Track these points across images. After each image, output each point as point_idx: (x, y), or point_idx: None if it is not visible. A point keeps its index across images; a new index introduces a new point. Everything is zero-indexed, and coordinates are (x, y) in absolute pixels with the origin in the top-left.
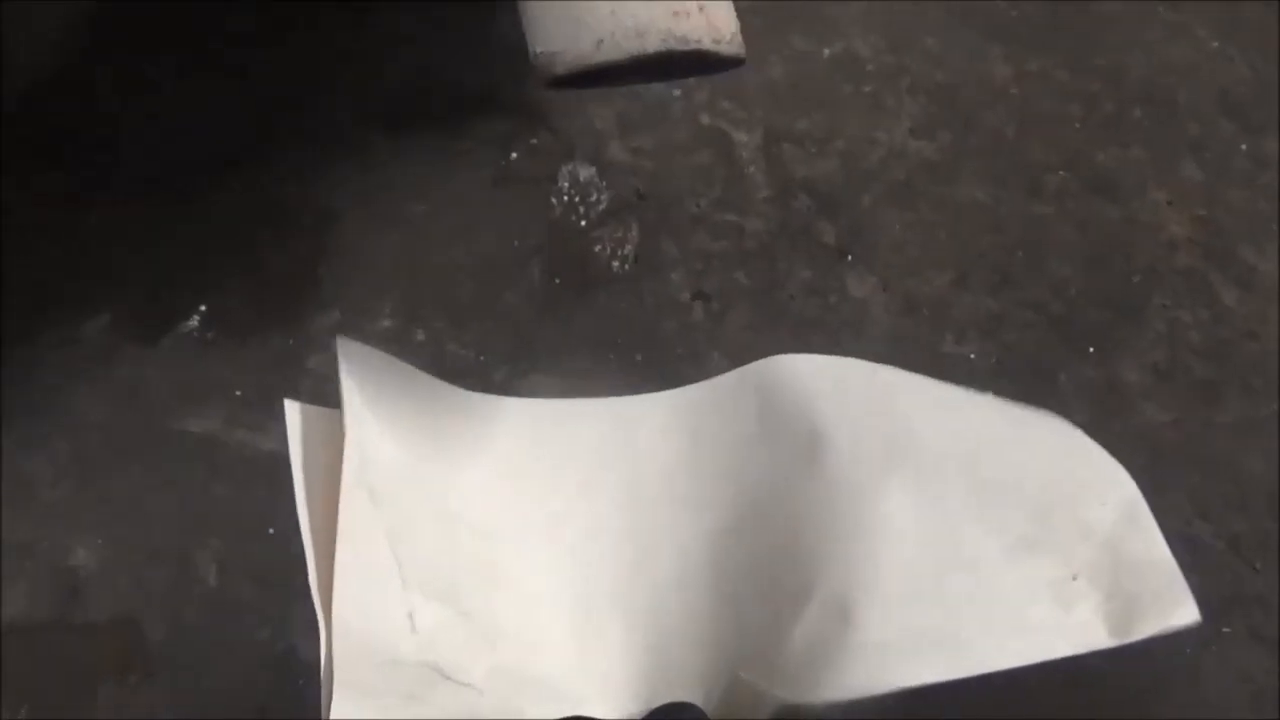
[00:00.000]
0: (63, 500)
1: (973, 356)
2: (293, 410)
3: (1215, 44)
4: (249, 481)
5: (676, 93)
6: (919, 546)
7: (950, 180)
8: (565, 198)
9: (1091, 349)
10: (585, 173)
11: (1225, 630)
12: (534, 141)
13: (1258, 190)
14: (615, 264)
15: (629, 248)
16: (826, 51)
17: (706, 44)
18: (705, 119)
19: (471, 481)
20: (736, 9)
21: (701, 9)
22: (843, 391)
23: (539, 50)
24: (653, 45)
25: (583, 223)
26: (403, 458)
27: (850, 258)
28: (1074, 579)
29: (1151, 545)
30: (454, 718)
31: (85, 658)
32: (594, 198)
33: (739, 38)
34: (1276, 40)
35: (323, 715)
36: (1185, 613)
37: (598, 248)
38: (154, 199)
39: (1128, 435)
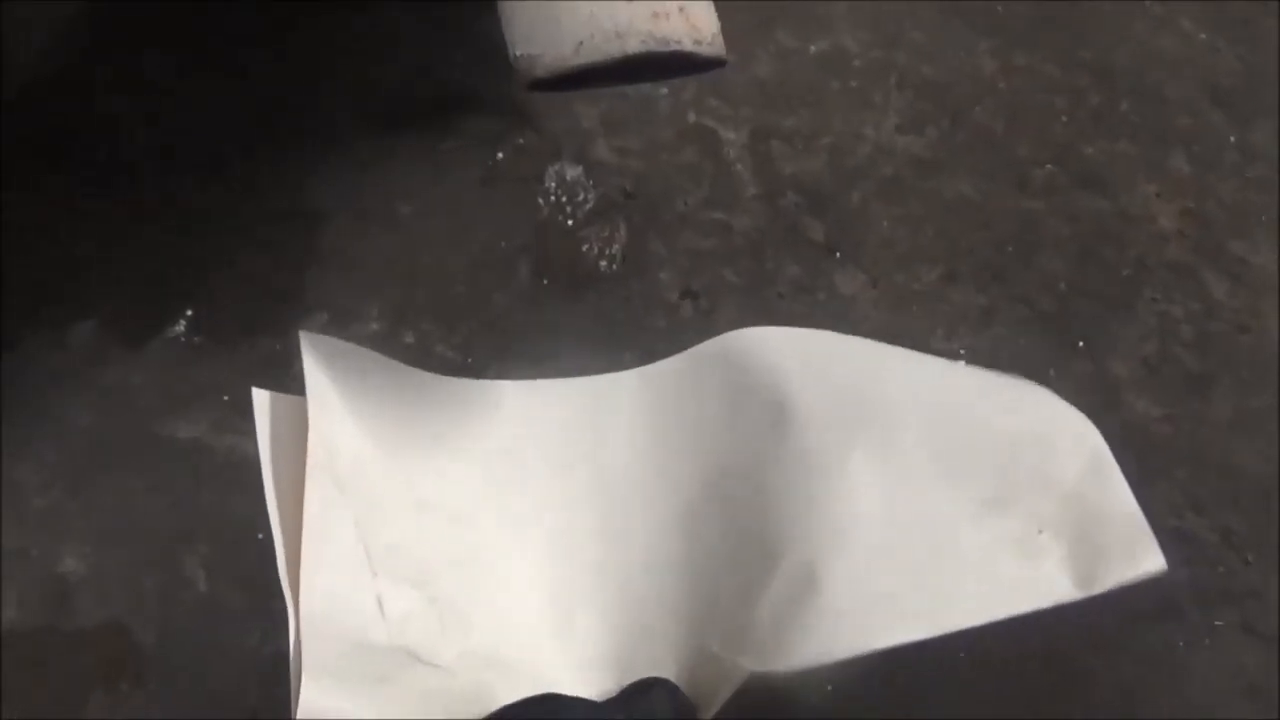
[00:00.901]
0: (51, 507)
1: (962, 352)
2: (261, 398)
3: (1203, 36)
4: (237, 486)
5: (663, 91)
6: (884, 511)
7: (938, 176)
8: (552, 198)
9: (1081, 343)
10: (572, 172)
11: (1218, 624)
12: (521, 141)
13: (1247, 182)
14: (603, 263)
15: (617, 247)
16: (813, 48)
17: (687, 45)
18: (692, 117)
19: (441, 465)
20: (723, 6)
21: (682, 10)
22: (809, 360)
23: (518, 53)
24: (632, 47)
25: (570, 222)
26: (370, 445)
27: (839, 254)
28: (1039, 533)
29: (1116, 495)
30: (426, 699)
31: (75, 664)
32: (581, 197)
33: (720, 38)
34: (1264, 31)
35: (292, 701)
36: (1150, 561)
37: (585, 247)
38: (142, 201)
39: (1119, 430)
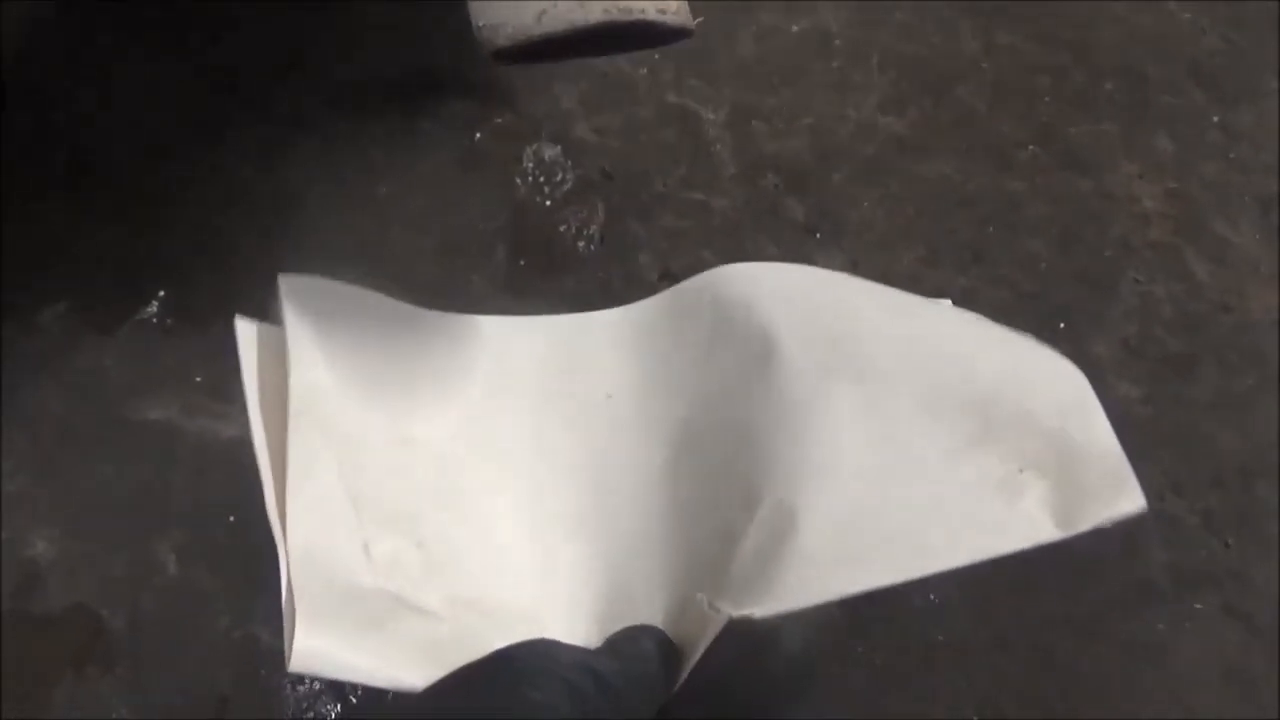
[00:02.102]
0: (20, 492)
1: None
2: (245, 328)
3: (1187, 15)
4: (209, 469)
5: (643, 70)
6: (866, 449)
7: (920, 156)
8: (530, 178)
9: (1063, 324)
10: (550, 152)
11: (1198, 607)
12: (499, 122)
13: (1230, 163)
14: (581, 244)
15: (595, 228)
16: (795, 27)
17: (650, 14)
18: (672, 97)
19: (424, 401)
20: None
21: None
22: (793, 296)
23: (481, 23)
24: (595, 16)
25: (548, 203)
26: (352, 384)
27: (819, 235)
28: (1020, 471)
29: (1098, 433)
30: (415, 645)
31: (45, 648)
32: (559, 177)
33: (685, 8)
34: (1248, 11)
35: (286, 645)
36: (1130, 500)
37: (563, 228)
38: (113, 183)
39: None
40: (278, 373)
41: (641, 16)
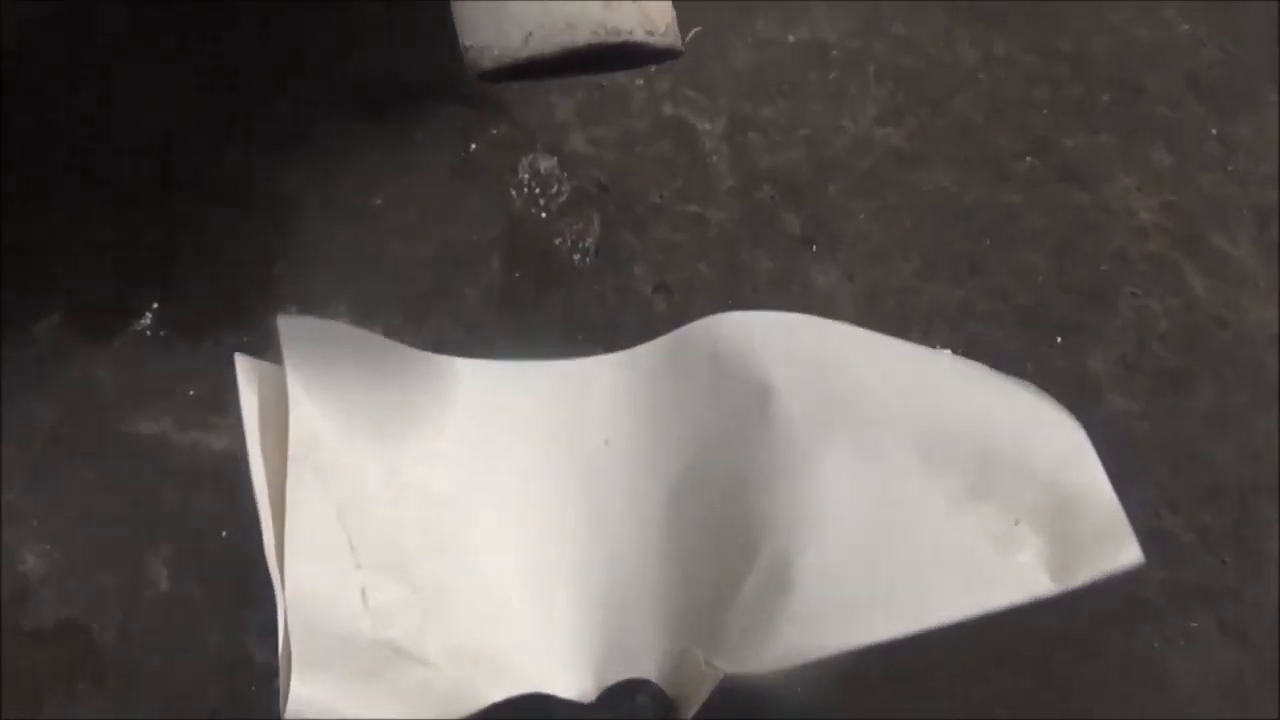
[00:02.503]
0: (11, 504)
1: (939, 347)
2: (244, 366)
3: (1184, 26)
4: (201, 483)
5: (639, 81)
6: (862, 502)
7: (917, 168)
8: (525, 189)
9: (1060, 338)
10: (546, 164)
11: (1194, 625)
12: (494, 132)
13: (1228, 175)
14: (576, 257)
15: (590, 240)
16: (792, 38)
17: (639, 35)
18: (668, 108)
19: (423, 446)
20: None
21: None
22: (791, 346)
23: (468, 44)
24: (583, 37)
25: (543, 215)
26: (351, 428)
27: (815, 248)
28: (1016, 524)
29: (1094, 486)
30: (412, 696)
31: (34, 663)
32: (555, 189)
33: (674, 28)
34: (1246, 22)
35: (282, 692)
36: (1127, 554)
37: (558, 240)
38: (106, 193)
39: (1096, 426)
40: (278, 412)
41: (630, 38)
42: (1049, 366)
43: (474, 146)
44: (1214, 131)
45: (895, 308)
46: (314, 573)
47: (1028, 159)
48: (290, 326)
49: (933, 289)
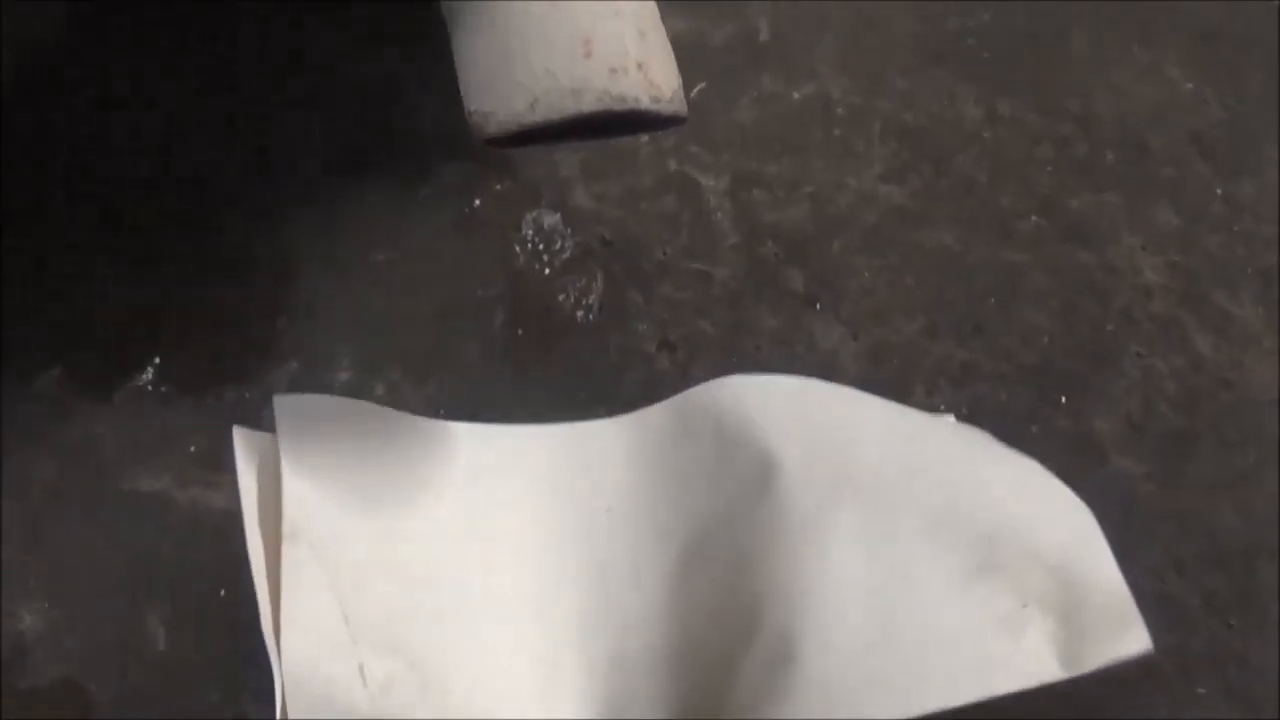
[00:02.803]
0: (8, 561)
1: (943, 407)
2: (242, 439)
3: (1189, 85)
4: (200, 541)
5: (644, 138)
6: (866, 579)
7: (920, 226)
8: (529, 245)
9: (1064, 399)
10: (550, 219)
11: (1200, 691)
12: (499, 188)
13: (1234, 235)
14: (580, 313)
15: (594, 296)
16: (797, 94)
17: (645, 103)
18: (672, 164)
19: (423, 517)
20: (706, 49)
21: (640, 66)
22: (795, 414)
23: (472, 109)
24: (588, 105)
25: (547, 271)
26: (347, 503)
27: (819, 306)
28: (1024, 606)
29: (1102, 572)
30: None
31: None
32: (558, 245)
33: (680, 95)
34: (1251, 81)
35: None
36: (1136, 642)
37: (561, 296)
38: (107, 246)
39: (1101, 488)
40: (276, 484)
41: (636, 105)
42: (1053, 427)
43: (477, 202)
44: (1219, 191)
45: (899, 367)
46: (310, 651)
47: (1032, 218)
48: (285, 405)
49: (936, 348)
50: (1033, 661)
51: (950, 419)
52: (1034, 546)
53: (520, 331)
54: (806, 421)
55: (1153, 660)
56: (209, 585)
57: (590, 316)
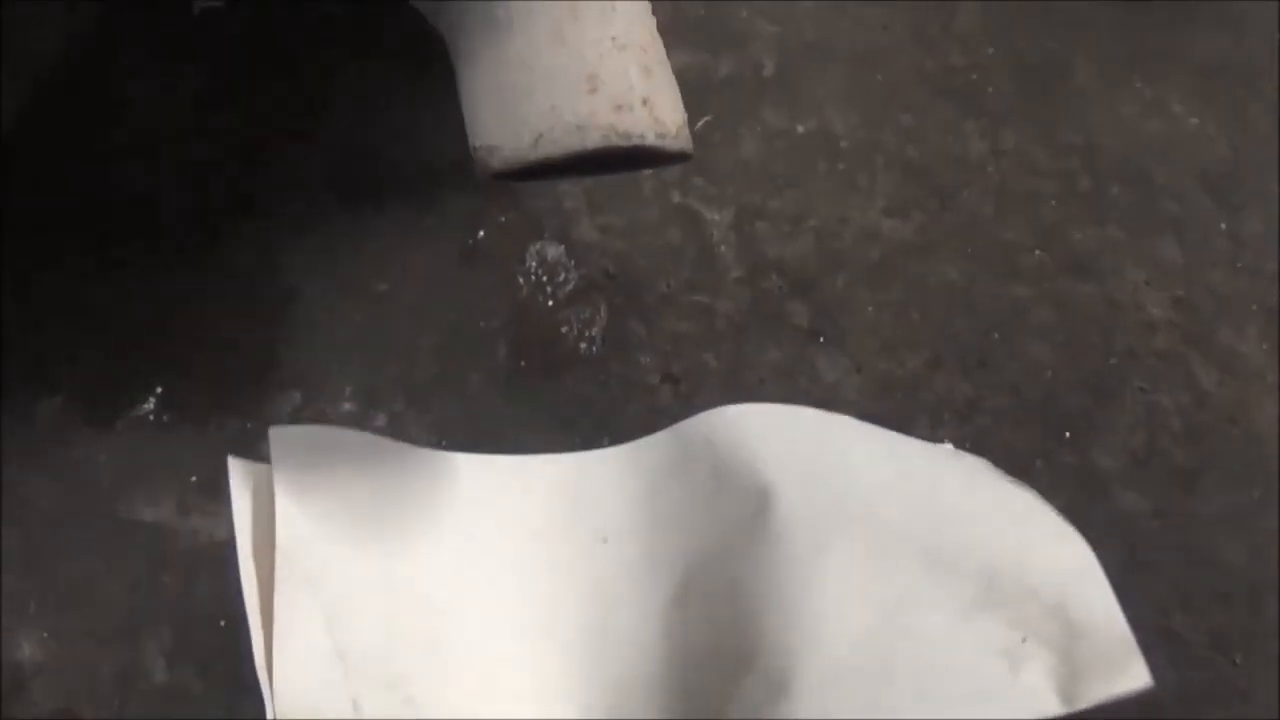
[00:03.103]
0: (8, 589)
1: (947, 442)
2: (237, 469)
3: (1194, 120)
4: (200, 571)
5: (648, 171)
6: (862, 613)
7: (925, 260)
8: (533, 277)
9: (1068, 434)
10: (554, 251)
11: None
12: (503, 219)
13: (1238, 271)
14: (583, 345)
15: (597, 329)
16: (800, 128)
17: (650, 139)
18: (676, 197)
19: (420, 549)
20: (710, 83)
21: (645, 102)
22: (794, 444)
23: (477, 144)
24: (593, 141)
25: (550, 303)
26: (342, 535)
27: (822, 339)
28: (1023, 640)
29: (1101, 607)
30: None
31: None
32: (562, 277)
33: (685, 131)
34: (1255, 117)
35: None
36: (1135, 678)
37: (565, 328)
38: (110, 274)
39: (1105, 524)
40: (271, 516)
41: (641, 142)
42: (1057, 462)
43: (482, 233)
44: (1223, 226)
45: (903, 401)
46: (302, 683)
47: (1036, 252)
48: (281, 437)
49: (940, 382)
50: (1031, 696)
51: (949, 447)
52: (1032, 582)
53: (523, 363)
54: (803, 451)
55: (1156, 697)
56: (209, 615)
57: (593, 348)
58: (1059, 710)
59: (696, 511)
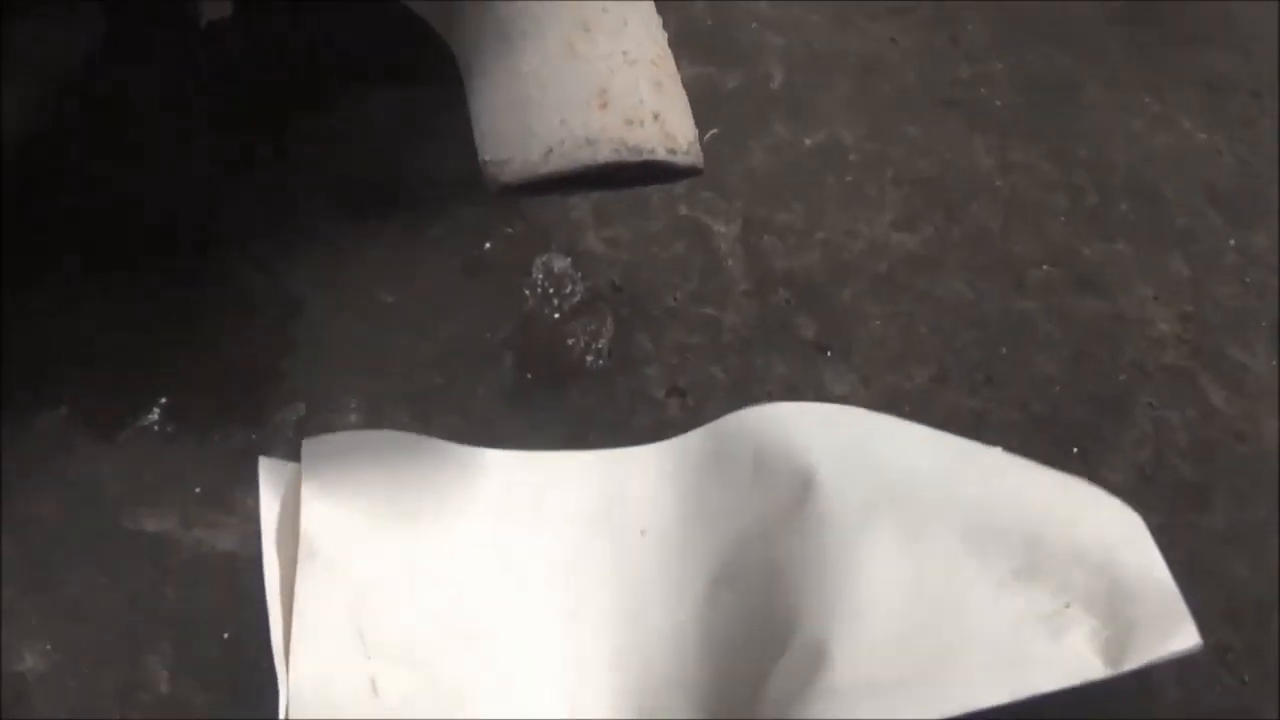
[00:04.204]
0: (11, 602)
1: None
2: (267, 467)
3: (1202, 135)
4: (204, 582)
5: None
6: (903, 585)
7: (932, 274)
8: (539, 289)
9: (1075, 449)
10: (560, 263)
11: None
12: (510, 231)
13: (1247, 286)
14: (589, 358)
15: (603, 341)
16: (809, 141)
17: (660, 154)
18: (684, 209)
19: (451, 540)
20: (718, 96)
21: (657, 117)
22: (836, 436)
23: (487, 158)
24: (604, 155)
25: (556, 315)
26: (369, 524)
27: (829, 353)
28: (1067, 606)
29: (1150, 568)
30: None
31: None
32: (568, 289)
33: (696, 146)
34: (1264, 132)
35: None
36: (1184, 637)
37: (571, 341)
38: (114, 286)
39: None
40: (297, 512)
41: (651, 156)
42: None
43: (488, 245)
44: (1232, 242)
45: (910, 415)
46: (320, 663)
47: (1044, 267)
48: (313, 445)
49: (948, 396)
50: (1074, 660)
51: (998, 450)
52: (1078, 546)
53: (529, 375)
54: (844, 440)
55: (1163, 715)
56: (212, 627)
57: (600, 361)
58: (1104, 673)
59: (736, 501)
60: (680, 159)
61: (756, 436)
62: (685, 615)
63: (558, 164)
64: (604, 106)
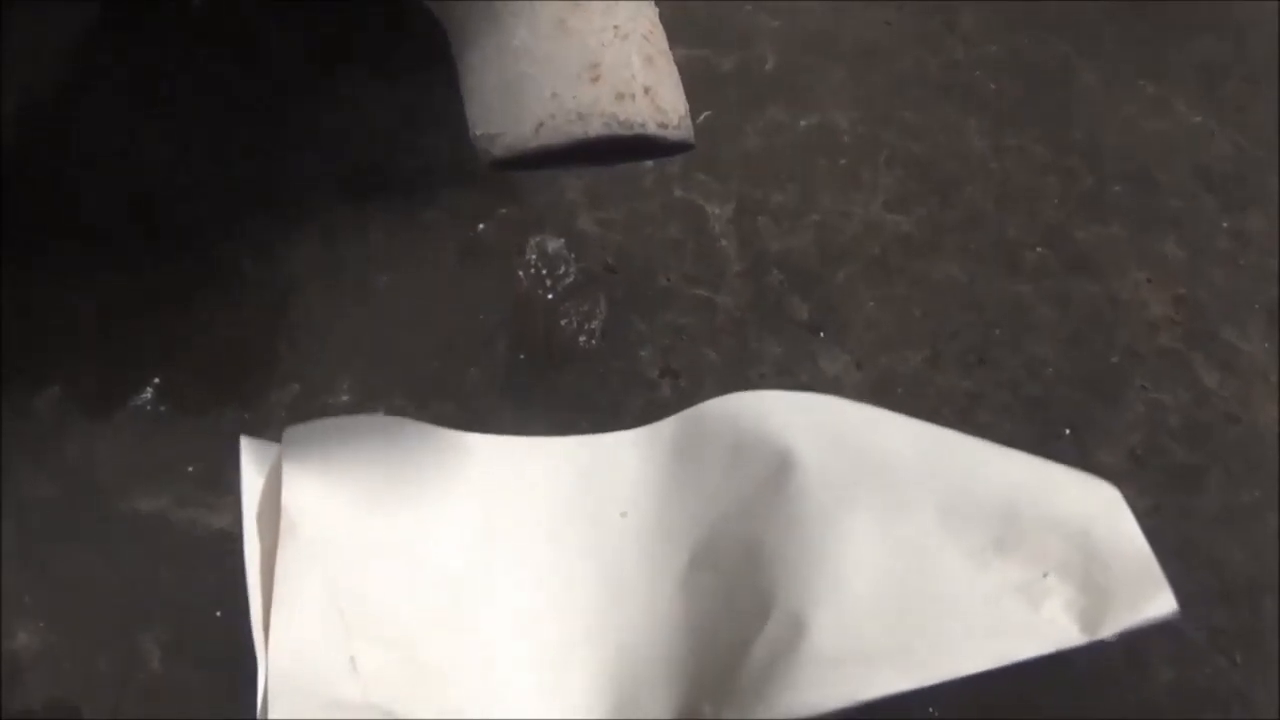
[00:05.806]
0: (4, 581)
1: None
2: (249, 447)
3: (1197, 119)
4: (198, 562)
5: (649, 164)
6: (882, 558)
7: (926, 256)
8: (532, 270)
9: (1068, 431)
10: (554, 245)
11: None
12: (503, 212)
13: (1240, 269)
14: (582, 339)
15: (596, 322)
16: (803, 123)
17: (651, 128)
18: (678, 190)
19: (433, 523)
20: (713, 78)
21: (648, 91)
22: (815, 421)
23: (478, 131)
24: (595, 129)
25: (550, 296)
26: (350, 504)
27: (823, 335)
28: (1044, 576)
29: (1126, 536)
30: None
31: None
32: (562, 270)
33: (687, 121)
34: (1258, 115)
35: None
36: (1161, 603)
37: (564, 322)
38: (108, 267)
39: None
40: (279, 491)
41: (643, 130)
42: (1058, 460)
43: (481, 227)
44: (1225, 225)
45: (903, 397)
46: (299, 640)
47: (1038, 249)
48: (295, 431)
49: (941, 378)
50: (1051, 627)
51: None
52: (1055, 517)
53: (522, 356)
54: (824, 424)
55: (1156, 698)
56: (206, 607)
57: (593, 342)
58: (1080, 639)
59: (715, 482)
60: (671, 133)
61: (736, 421)
62: (666, 594)
63: (548, 138)
64: (595, 80)
